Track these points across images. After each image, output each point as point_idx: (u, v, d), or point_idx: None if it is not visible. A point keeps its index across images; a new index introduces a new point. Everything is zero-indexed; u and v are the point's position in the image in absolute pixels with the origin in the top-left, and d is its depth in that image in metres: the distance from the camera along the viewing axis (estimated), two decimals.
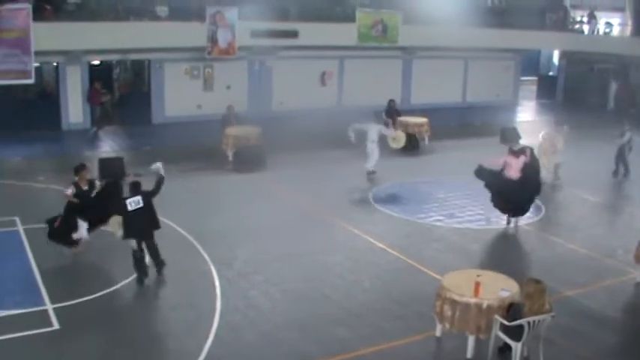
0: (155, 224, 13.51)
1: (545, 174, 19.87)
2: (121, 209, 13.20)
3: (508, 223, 17.28)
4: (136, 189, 13.37)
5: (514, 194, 16.57)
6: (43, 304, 12.19)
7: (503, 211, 17.19)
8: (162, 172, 13.77)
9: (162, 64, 29.68)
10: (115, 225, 13.63)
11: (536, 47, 40.13)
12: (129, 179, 14.61)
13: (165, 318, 12.15)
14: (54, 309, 11.97)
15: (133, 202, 13.15)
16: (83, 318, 11.87)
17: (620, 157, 22.52)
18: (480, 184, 17.11)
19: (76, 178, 14.23)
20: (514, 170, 16.37)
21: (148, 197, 13.32)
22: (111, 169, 20.58)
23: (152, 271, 13.69)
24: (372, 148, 21.36)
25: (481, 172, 16.88)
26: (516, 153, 16.62)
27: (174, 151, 24.15)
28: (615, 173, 22.57)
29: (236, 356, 10.73)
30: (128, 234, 13.28)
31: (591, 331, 11.90)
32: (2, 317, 11.61)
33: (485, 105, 35.81)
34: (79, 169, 14.41)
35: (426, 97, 34.75)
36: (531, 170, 16.65)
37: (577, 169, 22.44)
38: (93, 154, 23.50)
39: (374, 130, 21.37)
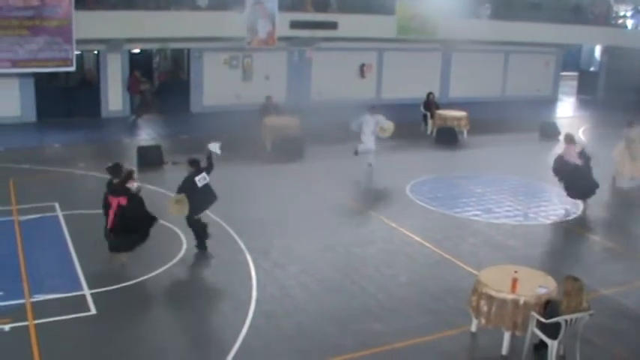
0: (215, 196, 14.12)
1: (621, 181, 20.17)
2: (191, 187, 13.69)
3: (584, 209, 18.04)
4: (198, 166, 13.88)
5: (583, 178, 17.66)
6: (81, 289, 12.32)
7: (579, 197, 18.01)
8: (218, 151, 14.49)
9: (201, 53, 29.84)
10: (174, 206, 13.87)
11: (578, 42, 39.62)
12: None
13: (201, 306, 12.20)
14: (91, 294, 12.09)
15: (202, 179, 13.71)
16: (119, 304, 11.99)
17: None
18: (515, 179, 16.98)
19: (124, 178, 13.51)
20: (574, 157, 17.53)
21: (208, 172, 13.97)
22: (149, 157, 20.84)
23: (188, 261, 13.82)
24: (368, 140, 20.82)
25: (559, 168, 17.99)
26: (570, 142, 17.87)
27: (212, 141, 24.23)
28: None
29: (271, 345, 10.76)
30: (198, 210, 13.93)
31: (629, 330, 11.72)
32: (41, 301, 11.77)
33: (524, 99, 35.47)
34: (130, 173, 13.73)
35: (465, 91, 34.58)
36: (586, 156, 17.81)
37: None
38: (131, 142, 23.76)
39: (371, 122, 20.77)
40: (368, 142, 20.74)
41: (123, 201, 13.11)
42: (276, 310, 11.87)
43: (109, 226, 13.23)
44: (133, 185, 13.45)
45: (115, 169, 13.58)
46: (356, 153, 20.91)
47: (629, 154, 20.29)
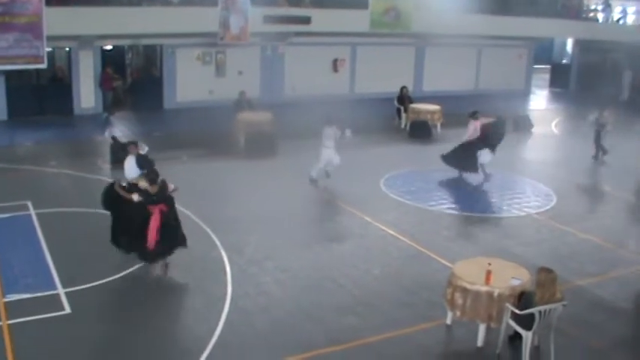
0: None
1: None
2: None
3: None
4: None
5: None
6: (55, 288, 12.21)
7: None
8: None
9: (174, 49, 29.68)
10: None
11: (550, 35, 39.84)
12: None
13: (176, 303, 12.16)
14: (65, 293, 11.99)
15: None
16: (94, 302, 11.91)
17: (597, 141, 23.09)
18: (489, 172, 17.12)
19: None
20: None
21: None
22: (122, 154, 20.68)
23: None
24: (324, 154, 19.02)
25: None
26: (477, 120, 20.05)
27: (186, 137, 24.23)
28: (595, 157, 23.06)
29: (246, 342, 10.73)
30: None
31: (603, 321, 11.83)
32: (14, 301, 11.64)
33: (497, 93, 35.61)
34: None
35: (439, 85, 34.71)
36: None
37: (589, 159, 22.49)
38: (104, 139, 23.56)
39: (329, 133, 18.94)
40: (332, 155, 19.10)
41: (164, 207, 12.64)
42: (252, 307, 11.84)
43: (154, 238, 12.60)
44: (170, 187, 12.90)
45: (155, 174, 12.82)
46: (312, 180, 19.28)
47: None
